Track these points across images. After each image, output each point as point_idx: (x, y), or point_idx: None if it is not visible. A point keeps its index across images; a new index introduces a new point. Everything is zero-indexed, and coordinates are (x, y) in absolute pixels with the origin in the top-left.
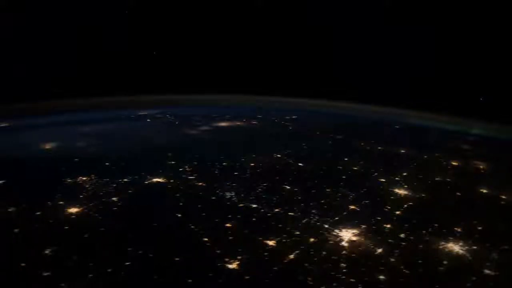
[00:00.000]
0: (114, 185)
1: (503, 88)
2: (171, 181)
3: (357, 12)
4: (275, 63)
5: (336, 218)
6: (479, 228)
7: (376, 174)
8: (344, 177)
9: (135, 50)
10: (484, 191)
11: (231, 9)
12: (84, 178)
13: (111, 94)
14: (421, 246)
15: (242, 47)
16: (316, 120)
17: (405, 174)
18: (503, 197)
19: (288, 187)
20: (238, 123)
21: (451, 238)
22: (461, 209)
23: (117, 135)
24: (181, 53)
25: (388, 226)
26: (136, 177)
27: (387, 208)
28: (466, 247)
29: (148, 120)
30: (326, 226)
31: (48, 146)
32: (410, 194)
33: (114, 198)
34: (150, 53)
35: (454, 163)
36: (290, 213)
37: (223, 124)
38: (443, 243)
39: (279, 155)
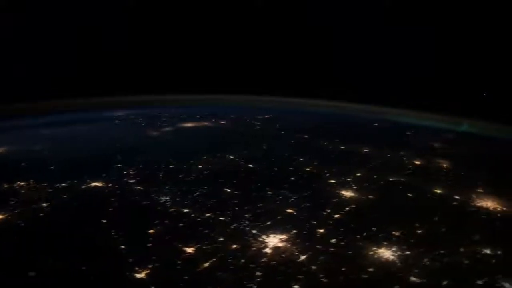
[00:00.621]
0: (50, 190)
1: (503, 88)
2: (110, 185)
3: (357, 12)
4: (273, 62)
5: (268, 223)
6: (419, 231)
7: (327, 175)
8: (292, 178)
9: (133, 50)
10: (438, 191)
11: (228, 9)
12: (22, 183)
13: (110, 94)
14: (350, 252)
15: (240, 48)
16: (290, 120)
17: (359, 174)
18: (456, 197)
19: (229, 190)
20: (206, 124)
21: (385, 243)
22: (406, 211)
23: (76, 138)
24: (178, 53)
25: (322, 231)
26: (76, 181)
27: (326, 211)
28: (399, 253)
29: (116, 121)
30: (254, 231)
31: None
32: (356, 196)
33: (44, 204)
34: (149, 53)
35: (416, 162)
36: (220, 218)
37: (189, 124)
38: (374, 248)
39: (232, 156)
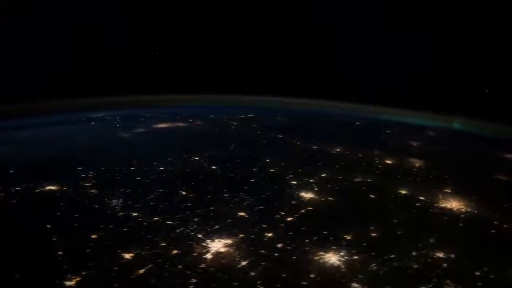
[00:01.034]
0: (3, 194)
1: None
2: (64, 188)
3: (357, 12)
4: (261, 62)
5: (216, 227)
6: (373, 234)
7: (291, 176)
8: (253, 180)
9: (134, 50)
10: (403, 192)
11: (216, 9)
12: None
13: (110, 94)
14: (294, 257)
15: (230, 48)
16: (271, 119)
17: (324, 175)
18: (421, 198)
19: (184, 193)
20: (182, 124)
21: (334, 248)
22: (364, 213)
23: (47, 141)
24: (168, 54)
25: (270, 235)
26: (31, 184)
27: (280, 214)
28: (346, 258)
29: (92, 123)
30: (200, 236)
31: None
32: (316, 197)
33: None
34: (148, 53)
35: (388, 162)
36: (168, 222)
37: (164, 125)
38: (321, 253)
39: (197, 158)
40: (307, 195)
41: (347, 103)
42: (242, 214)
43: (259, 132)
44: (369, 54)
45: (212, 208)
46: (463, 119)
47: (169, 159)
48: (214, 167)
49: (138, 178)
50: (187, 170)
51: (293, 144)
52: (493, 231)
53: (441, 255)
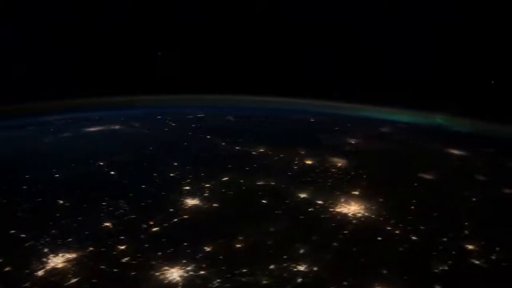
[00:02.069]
0: None
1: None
2: None
3: (356, 12)
4: (244, 61)
5: (69, 239)
6: (239, 245)
7: (188, 180)
8: (143, 186)
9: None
10: (302, 195)
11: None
12: None
13: (110, 94)
14: (134, 273)
15: (195, 46)
16: (218, 119)
17: (225, 178)
18: (319, 202)
19: (61, 202)
20: (116, 127)
21: (184, 261)
22: (244, 221)
23: None
24: (130, 54)
25: (123, 247)
26: None
27: (149, 224)
28: (191, 273)
29: (30, 128)
30: (46, 250)
31: None
32: (199, 204)
33: None
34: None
35: (307, 162)
36: (21, 235)
37: (94, 129)
38: (166, 268)
39: (102, 163)
40: (191, 202)
41: (319, 101)
42: (108, 224)
43: (190, 133)
44: (368, 53)
45: (79, 218)
46: (445, 114)
47: (72, 165)
48: (113, 172)
49: (24, 187)
50: (82, 176)
51: (216, 145)
52: (379, 238)
53: (302, 268)
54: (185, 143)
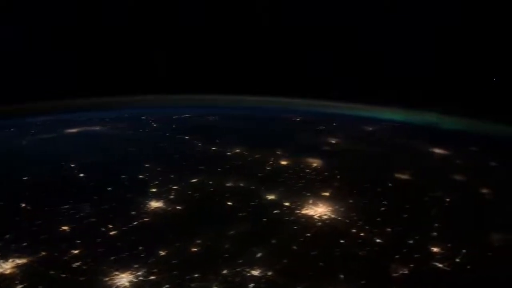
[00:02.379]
0: None
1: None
2: None
3: (356, 12)
4: (237, 61)
5: (24, 245)
6: (195, 249)
7: (156, 182)
8: (109, 189)
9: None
10: (270, 197)
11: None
12: None
13: (111, 95)
14: (83, 278)
15: (183, 46)
16: (199, 120)
17: (194, 180)
18: (286, 204)
19: (23, 205)
20: (97, 128)
21: (136, 266)
22: (204, 225)
23: None
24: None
25: (76, 252)
26: None
27: (107, 227)
28: (141, 278)
29: (12, 129)
30: None
31: None
32: (163, 206)
33: None
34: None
35: (282, 163)
36: None
37: (75, 130)
38: (116, 273)
39: (73, 165)
40: (155, 205)
41: (310, 100)
42: (65, 228)
43: (167, 134)
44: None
45: (39, 222)
46: (438, 112)
47: (43, 167)
48: (82, 174)
49: None
50: (50, 179)
51: (192, 146)
52: (342, 241)
53: (256, 273)
54: (162, 144)
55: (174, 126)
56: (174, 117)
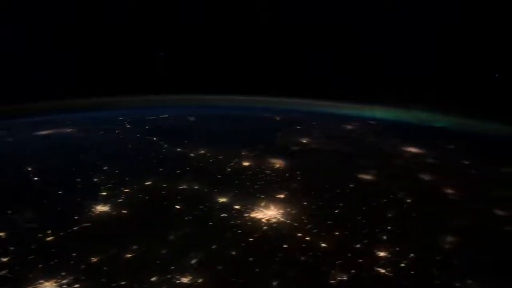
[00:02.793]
0: None
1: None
2: None
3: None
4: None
5: None
6: (128, 256)
7: (109, 185)
8: (60, 192)
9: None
10: (222, 200)
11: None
12: None
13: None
14: None
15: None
16: (175, 120)
17: (148, 183)
18: (236, 207)
19: None
20: (68, 130)
21: (62, 274)
22: (146, 230)
23: None
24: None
25: (5, 259)
26: None
27: (45, 233)
28: (64, 287)
29: None
30: None
31: None
32: (108, 211)
33: None
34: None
35: (244, 164)
36: None
37: (42, 133)
38: (42, 281)
39: (30, 168)
40: (101, 209)
41: (296, 99)
42: (1, 234)
43: (138, 135)
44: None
45: None
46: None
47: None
48: (36, 178)
49: None
50: (2, 183)
51: (158, 147)
52: (285, 246)
53: (186, 280)
54: (128, 146)
55: (147, 127)
56: (149, 118)
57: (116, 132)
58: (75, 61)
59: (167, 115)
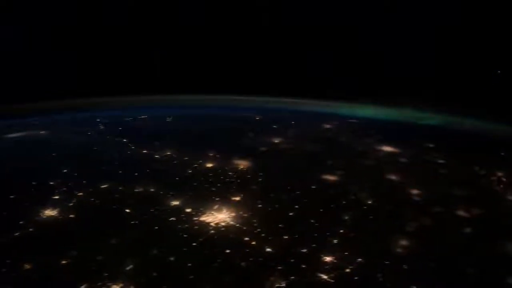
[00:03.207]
0: None
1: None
2: None
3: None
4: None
5: None
6: (63, 262)
7: (64, 189)
8: (12, 196)
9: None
10: (174, 203)
11: None
12: None
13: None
14: None
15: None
16: (152, 121)
17: (104, 186)
18: (187, 210)
19: None
20: (42, 132)
21: None
22: (89, 234)
23: None
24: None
25: None
26: None
27: None
28: None
29: None
30: None
31: None
32: (55, 215)
33: None
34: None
35: (208, 165)
36: None
37: (13, 135)
38: None
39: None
40: (49, 213)
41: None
42: None
43: (107, 137)
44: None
45: None
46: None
47: None
48: None
49: None
50: None
51: (125, 149)
52: (227, 251)
53: (117, 287)
54: (94, 148)
55: (120, 128)
56: (127, 119)
57: (88, 134)
58: (75, 61)
59: (146, 116)
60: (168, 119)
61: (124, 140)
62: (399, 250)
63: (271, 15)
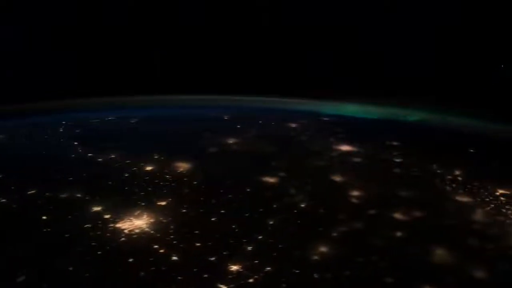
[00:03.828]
0: None
1: None
2: None
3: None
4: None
5: None
6: None
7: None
8: None
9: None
10: (96, 208)
11: None
12: None
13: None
14: None
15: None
16: (114, 123)
17: (32, 191)
18: (107, 216)
19: None
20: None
21: None
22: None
23: None
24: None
25: None
26: None
27: None
28: None
29: None
30: None
31: None
32: None
33: None
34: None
35: (147, 169)
36: None
37: None
38: None
39: None
40: None
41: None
42: None
43: (61, 140)
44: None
45: None
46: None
47: None
48: None
49: None
50: None
51: (71, 152)
52: (130, 260)
53: None
54: (43, 152)
55: (77, 131)
56: (94, 120)
57: (45, 137)
58: (75, 61)
59: (112, 117)
60: (132, 121)
61: (75, 143)
62: (315, 257)
63: (271, 15)
